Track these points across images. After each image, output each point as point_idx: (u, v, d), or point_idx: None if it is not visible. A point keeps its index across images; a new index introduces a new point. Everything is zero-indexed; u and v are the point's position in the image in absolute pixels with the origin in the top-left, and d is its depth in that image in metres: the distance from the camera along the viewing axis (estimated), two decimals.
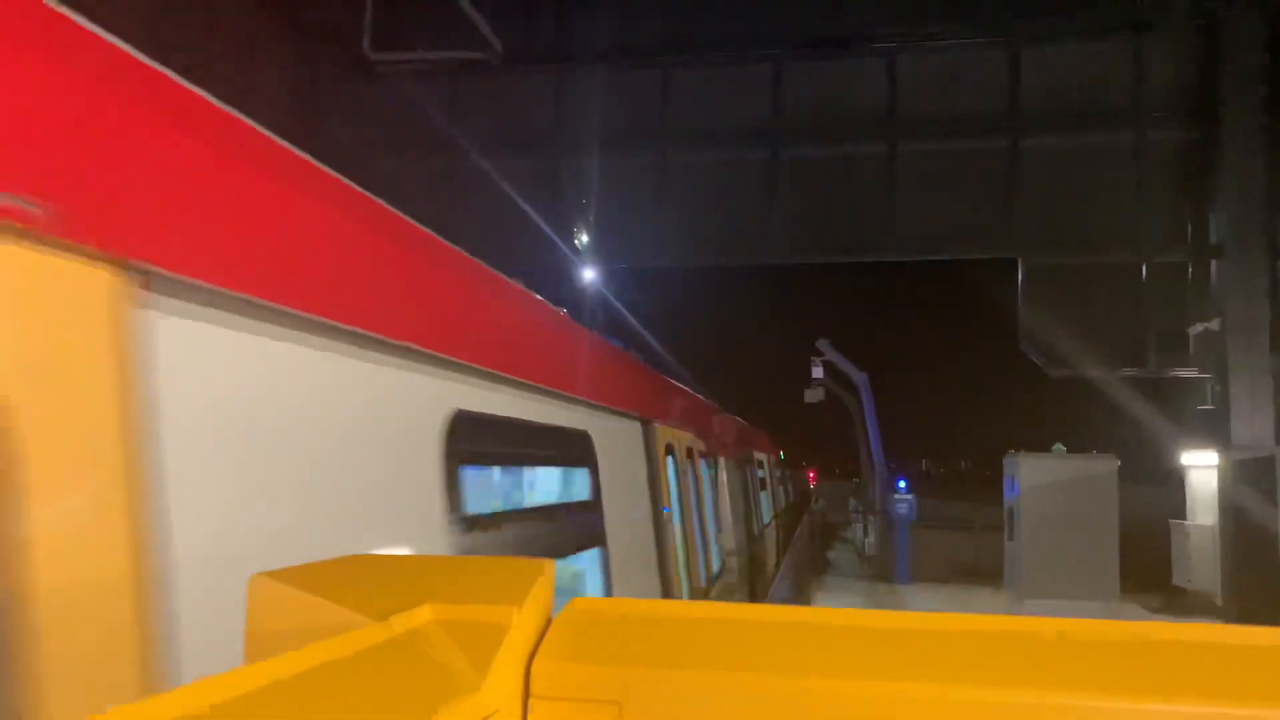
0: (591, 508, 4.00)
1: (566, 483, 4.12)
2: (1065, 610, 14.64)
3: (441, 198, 15.41)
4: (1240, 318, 13.03)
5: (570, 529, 3.75)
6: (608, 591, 4.00)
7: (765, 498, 16.20)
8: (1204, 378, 13.91)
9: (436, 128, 15.33)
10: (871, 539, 23.76)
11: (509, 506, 3.77)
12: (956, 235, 14.61)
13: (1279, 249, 13.19)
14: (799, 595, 13.16)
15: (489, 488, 3.74)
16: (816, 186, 14.82)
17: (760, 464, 15.57)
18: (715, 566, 8.30)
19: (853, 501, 45.28)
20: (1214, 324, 13.31)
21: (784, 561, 11.17)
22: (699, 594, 6.54)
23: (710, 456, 9.10)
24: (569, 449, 3.94)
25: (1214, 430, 13.61)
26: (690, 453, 7.81)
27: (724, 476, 10.08)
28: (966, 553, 20.92)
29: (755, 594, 9.97)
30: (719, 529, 9.09)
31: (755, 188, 14.85)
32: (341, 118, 15.37)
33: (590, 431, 4.18)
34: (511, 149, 14.94)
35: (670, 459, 6.64)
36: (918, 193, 14.42)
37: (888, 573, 20.60)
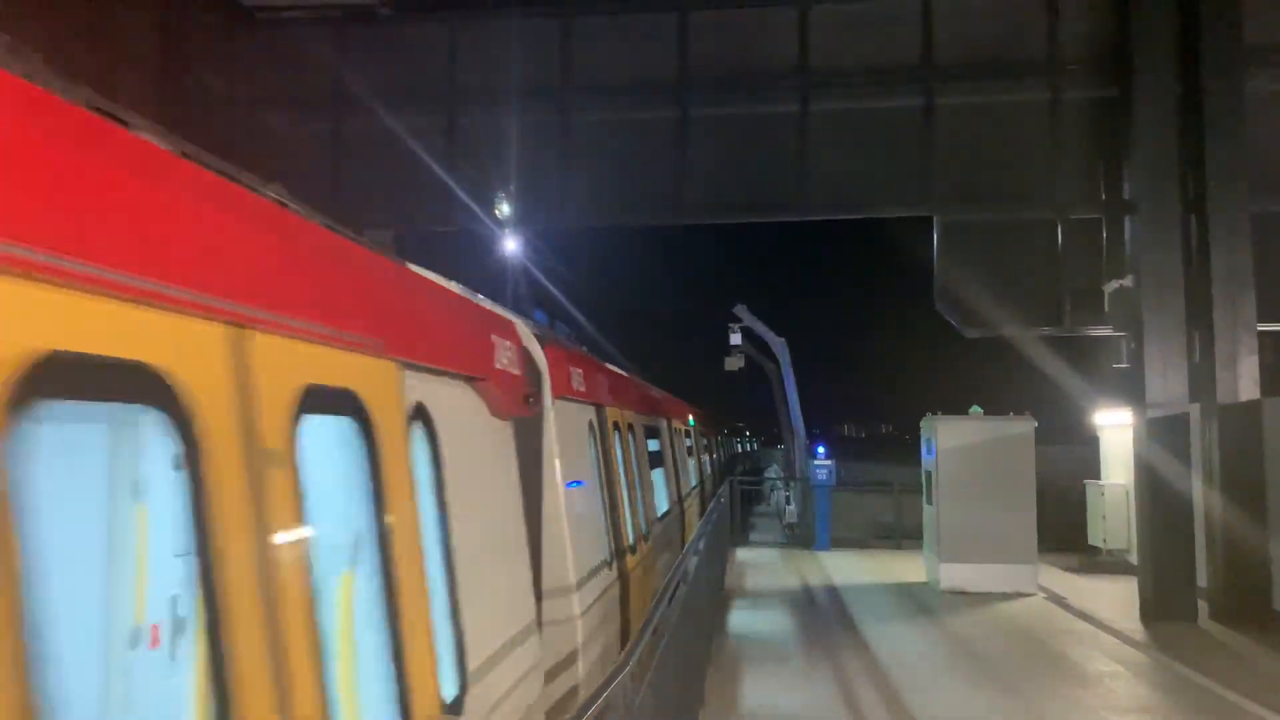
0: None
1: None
2: (984, 572, 14.48)
3: (333, 157, 14.42)
4: (1153, 274, 12.83)
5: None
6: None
7: (691, 464, 17.93)
8: (1119, 336, 13.74)
9: (324, 81, 14.28)
10: (793, 505, 23.52)
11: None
12: (872, 193, 14.15)
13: (1191, 205, 13.00)
14: (715, 564, 12.74)
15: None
16: (728, 144, 14.19)
17: (687, 433, 17.44)
18: (648, 524, 10.23)
19: (774, 467, 45.42)
20: (1128, 281, 13.11)
21: (699, 528, 10.91)
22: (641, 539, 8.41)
23: (647, 430, 11.33)
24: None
25: (1129, 389, 13.46)
26: (631, 428, 9.90)
27: (657, 445, 12.61)
28: (886, 515, 20.81)
29: (679, 549, 10.69)
30: (653, 492, 11.11)
31: (664, 146, 14.15)
32: (218, 71, 14.19)
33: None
34: (405, 105, 13.95)
35: (616, 434, 8.67)
36: (832, 150, 13.90)
37: (808, 539, 20.36)
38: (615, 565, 7.79)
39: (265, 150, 13.70)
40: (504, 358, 4.95)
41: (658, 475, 12.28)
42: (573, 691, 5.83)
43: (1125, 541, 16.52)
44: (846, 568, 17.18)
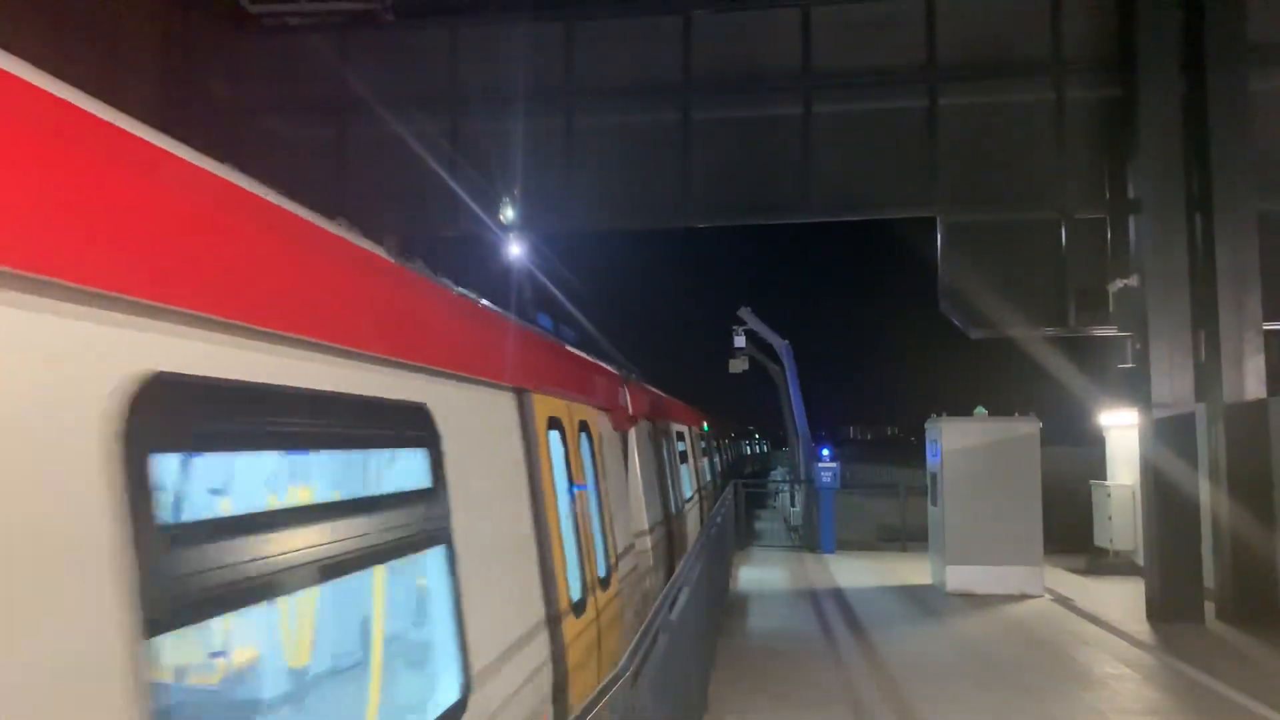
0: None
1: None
2: (990, 574, 14.43)
3: (338, 162, 14.43)
4: (1158, 274, 12.80)
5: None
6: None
7: (705, 463, 19.58)
8: (1124, 336, 13.69)
9: (328, 86, 14.30)
10: (798, 508, 23.47)
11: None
12: (875, 194, 14.12)
13: (1197, 204, 12.96)
14: (719, 569, 12.72)
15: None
16: (731, 147, 14.17)
17: (702, 437, 19.21)
18: (680, 502, 14.14)
19: (779, 470, 45.43)
20: (1133, 280, 13.07)
21: (701, 534, 11.12)
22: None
23: (677, 435, 15.14)
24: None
25: (1135, 389, 13.41)
26: (667, 434, 13.57)
27: (684, 447, 16.30)
28: (892, 517, 20.76)
29: (670, 568, 11.15)
30: (682, 481, 14.94)
31: (668, 149, 14.15)
32: (222, 76, 14.22)
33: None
34: (408, 110, 13.96)
35: (663, 439, 12.89)
36: (835, 151, 13.89)
37: (813, 542, 20.32)
38: (665, 523, 11.72)
39: (269, 156, 13.73)
40: (619, 397, 9.06)
41: (684, 469, 16.07)
42: (646, 595, 9.04)
43: (1132, 542, 16.46)
44: (851, 570, 17.14)
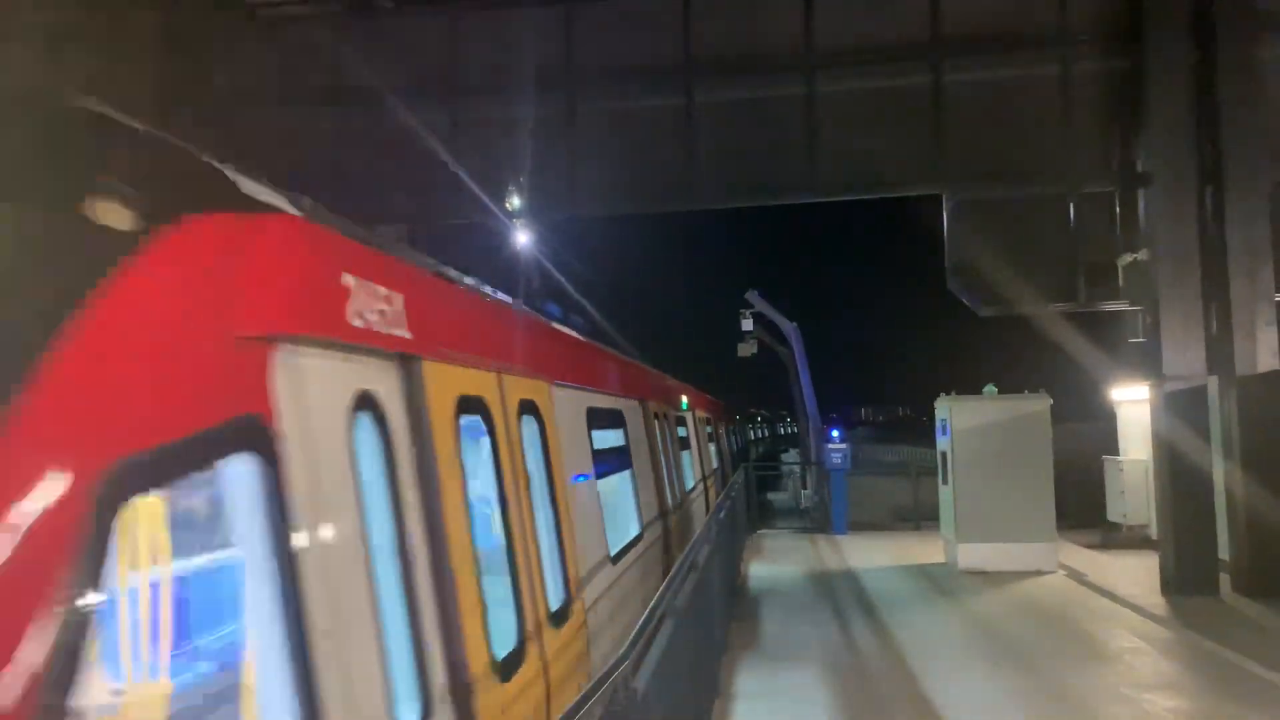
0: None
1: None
2: (1002, 551, 14.38)
3: (339, 152, 14.37)
4: (1169, 247, 12.67)
5: None
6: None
7: (722, 445, 21.85)
8: (1135, 309, 13.58)
9: (327, 76, 14.22)
10: (809, 490, 23.43)
11: None
12: (882, 172, 13.99)
13: (1207, 176, 12.82)
14: (730, 553, 12.71)
15: None
16: (735, 128, 14.04)
17: (733, 422, 22.18)
18: (722, 463, 22.71)
19: (791, 453, 45.49)
20: (1143, 254, 12.95)
21: (709, 519, 11.04)
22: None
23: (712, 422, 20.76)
24: None
25: (1146, 363, 13.31)
26: (709, 422, 19.71)
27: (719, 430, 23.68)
28: (904, 497, 20.71)
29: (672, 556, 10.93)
30: (718, 453, 21.90)
31: (672, 132, 14.03)
32: (219, 68, 14.16)
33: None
34: (409, 98, 13.87)
35: (708, 427, 20.23)
36: (840, 130, 13.75)
37: (825, 524, 20.28)
38: (713, 476, 14.95)
39: (270, 147, 13.67)
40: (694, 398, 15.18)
41: (710, 450, 19.97)
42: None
43: (1145, 516, 16.38)
44: (864, 551, 17.10)
